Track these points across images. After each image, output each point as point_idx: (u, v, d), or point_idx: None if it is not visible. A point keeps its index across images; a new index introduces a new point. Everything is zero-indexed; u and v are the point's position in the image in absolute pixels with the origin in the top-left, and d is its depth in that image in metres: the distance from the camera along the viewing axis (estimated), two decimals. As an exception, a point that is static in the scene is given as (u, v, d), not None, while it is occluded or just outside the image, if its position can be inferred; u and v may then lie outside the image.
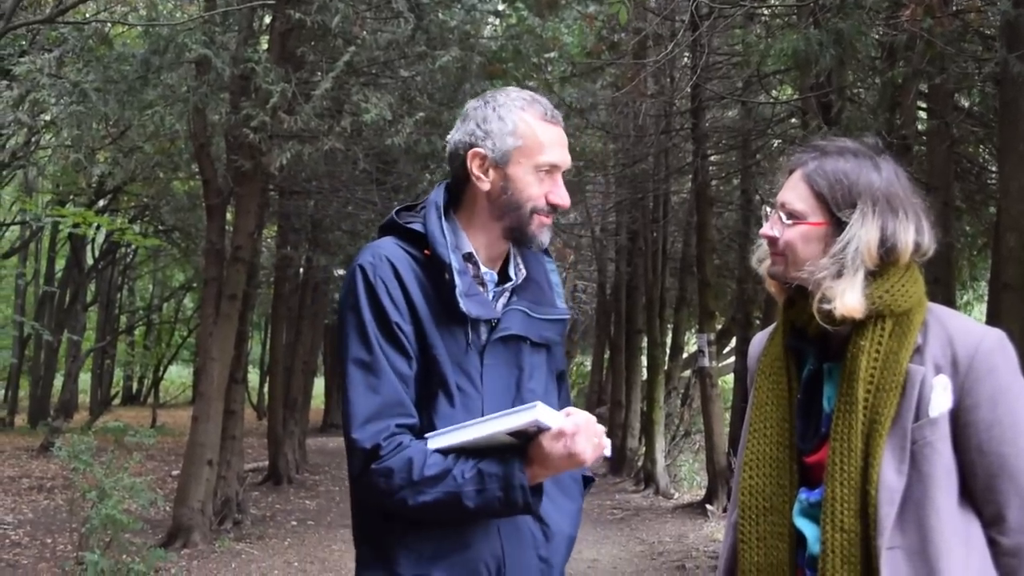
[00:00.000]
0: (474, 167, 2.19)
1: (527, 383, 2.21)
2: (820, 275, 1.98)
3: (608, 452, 2.08)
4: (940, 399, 1.92)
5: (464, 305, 2.10)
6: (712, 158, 14.27)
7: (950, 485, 1.91)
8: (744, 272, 14.19)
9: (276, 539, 10.48)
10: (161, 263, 25.28)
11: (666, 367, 16.18)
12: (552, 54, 11.55)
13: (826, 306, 1.96)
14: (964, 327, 2.00)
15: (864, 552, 1.90)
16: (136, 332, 29.14)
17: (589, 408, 22.61)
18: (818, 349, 2.06)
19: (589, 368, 25.90)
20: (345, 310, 2.14)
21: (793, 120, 12.11)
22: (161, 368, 27.95)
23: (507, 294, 2.25)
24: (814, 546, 1.98)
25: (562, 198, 2.22)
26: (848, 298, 1.94)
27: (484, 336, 2.17)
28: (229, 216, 11.76)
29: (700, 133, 13.01)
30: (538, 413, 1.93)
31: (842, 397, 1.97)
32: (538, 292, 2.28)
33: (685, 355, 17.50)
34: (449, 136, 2.27)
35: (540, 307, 2.26)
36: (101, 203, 19.35)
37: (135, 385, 31.76)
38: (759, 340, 2.27)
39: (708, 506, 12.42)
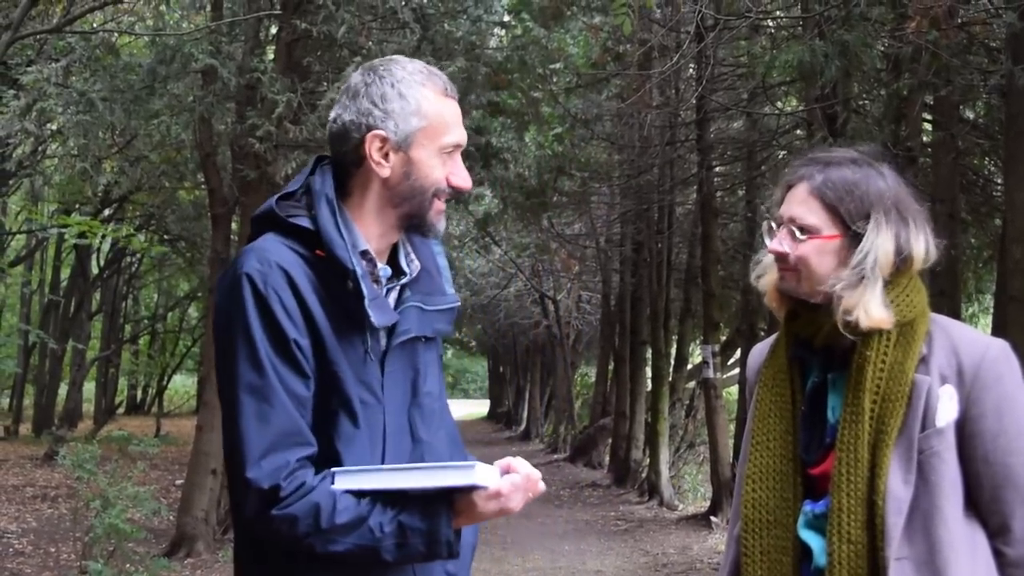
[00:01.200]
0: (373, 151, 1.94)
1: (423, 384, 2.03)
2: (839, 287, 1.96)
3: (541, 488, 1.93)
4: (946, 409, 1.91)
5: (373, 317, 1.88)
6: (717, 169, 14.28)
7: (956, 495, 1.91)
8: (749, 283, 14.19)
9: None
10: (166, 272, 25.31)
11: (670, 378, 16.15)
12: (557, 65, 11.60)
13: (849, 318, 1.94)
14: (969, 337, 2.00)
15: (870, 563, 1.88)
16: (141, 341, 29.16)
17: (593, 419, 22.61)
18: (822, 360, 2.05)
19: (593, 379, 25.86)
20: (230, 326, 1.84)
21: (798, 131, 12.11)
22: (165, 377, 27.93)
23: (397, 289, 2.03)
24: (820, 558, 1.97)
25: (464, 180, 2.01)
26: (873, 309, 1.93)
27: (383, 342, 1.95)
28: (234, 226, 11.79)
29: (705, 144, 13.01)
30: (476, 476, 1.78)
31: (848, 407, 1.95)
32: (428, 282, 2.07)
33: (689, 366, 17.46)
34: (333, 114, 1.99)
35: (432, 298, 2.05)
36: (107, 212, 19.40)
37: (139, 394, 31.75)
38: (758, 352, 2.24)
39: (712, 518, 12.38)
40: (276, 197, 1.99)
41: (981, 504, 1.93)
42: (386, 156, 1.95)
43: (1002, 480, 1.91)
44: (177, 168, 14.13)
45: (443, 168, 1.98)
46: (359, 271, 1.88)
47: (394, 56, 2.06)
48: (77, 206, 18.41)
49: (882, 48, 8.00)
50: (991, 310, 10.02)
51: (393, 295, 2.02)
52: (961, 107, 8.88)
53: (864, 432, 1.92)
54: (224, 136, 10.63)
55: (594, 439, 21.08)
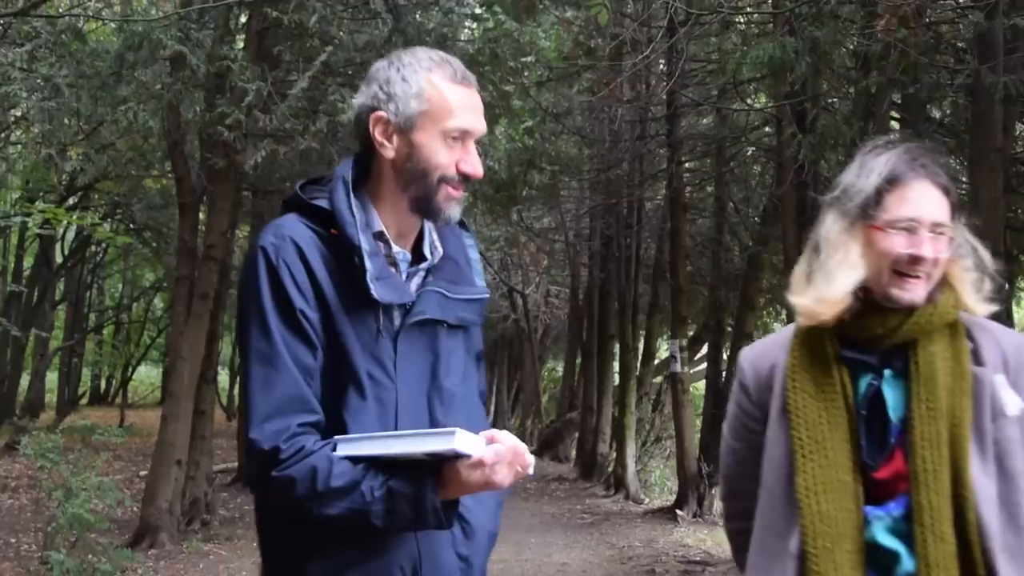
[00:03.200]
0: (376, 132, 2.01)
1: (443, 369, 2.05)
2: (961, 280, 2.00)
3: (531, 471, 1.94)
4: (1013, 398, 1.93)
5: (375, 290, 1.92)
6: (686, 165, 14.34)
7: None
8: (717, 279, 14.27)
9: (245, 540, 10.40)
10: (132, 262, 25.08)
11: (638, 373, 16.22)
12: (529, 58, 11.56)
13: (963, 306, 1.98)
14: (1002, 329, 2.05)
15: (961, 560, 1.86)
16: (105, 331, 28.86)
17: (560, 414, 22.66)
18: (879, 360, 1.99)
19: (561, 373, 25.92)
20: (245, 297, 1.96)
21: (768, 128, 12.19)
22: (130, 368, 27.69)
23: (421, 274, 2.08)
24: (909, 562, 1.90)
25: (474, 167, 2.04)
26: (976, 300, 1.99)
27: (397, 321, 1.99)
28: (202, 215, 11.69)
29: (675, 140, 13.06)
30: (456, 442, 1.79)
31: (922, 404, 1.91)
32: (455, 271, 2.11)
33: (657, 361, 17.55)
34: (356, 100, 2.08)
35: (457, 287, 2.09)
36: (72, 200, 19.16)
37: (103, 385, 31.45)
38: (763, 354, 2.15)
39: (678, 511, 12.45)
40: (303, 182, 2.09)
41: None
42: (389, 138, 2.02)
43: None
44: (144, 156, 13.96)
45: (449, 153, 2.02)
46: (366, 247, 1.94)
47: (412, 47, 2.12)
48: (41, 194, 18.17)
49: (851, 46, 8.06)
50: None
51: (416, 279, 2.07)
52: (928, 105, 8.96)
53: (944, 428, 1.89)
54: (192, 124, 10.52)
55: (561, 433, 21.14)
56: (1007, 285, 7.82)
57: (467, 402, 2.12)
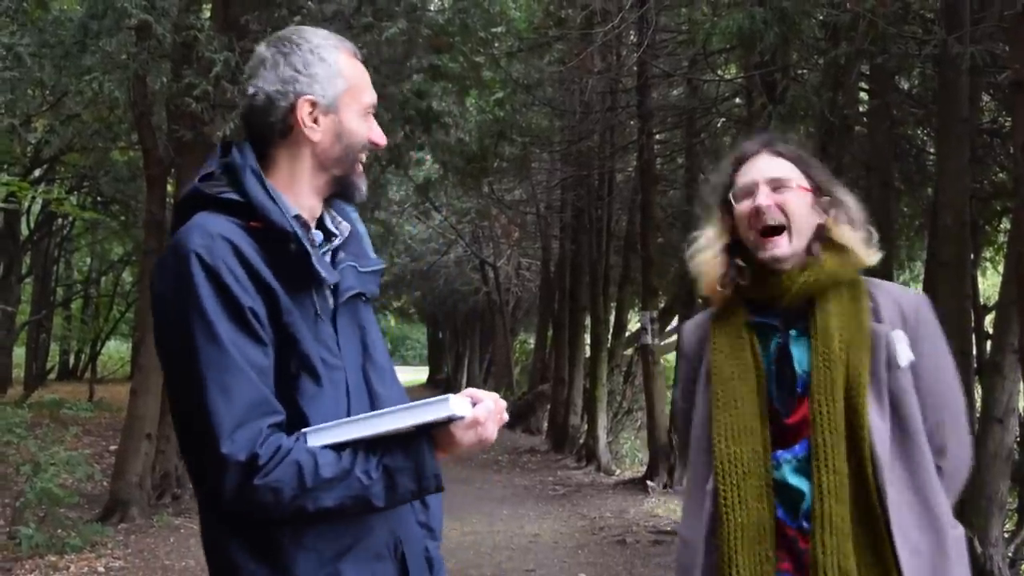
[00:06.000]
0: (304, 117, 1.98)
1: (371, 342, 2.08)
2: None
3: (506, 418, 1.99)
4: (904, 351, 2.18)
5: (324, 273, 1.93)
6: (657, 136, 14.34)
7: (920, 426, 2.18)
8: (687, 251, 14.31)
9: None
10: (99, 236, 24.80)
11: (609, 344, 16.28)
12: (499, 29, 11.53)
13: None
14: (901, 290, 2.34)
15: (853, 490, 2.10)
16: (73, 306, 28.57)
17: (532, 386, 22.73)
18: (783, 321, 2.25)
19: (532, 345, 25.98)
20: (180, 306, 1.81)
21: (738, 100, 12.20)
22: (99, 342, 27.45)
23: (330, 253, 2.08)
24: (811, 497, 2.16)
25: (382, 136, 2.09)
26: (863, 254, 2.27)
27: (330, 301, 1.99)
28: (170, 188, 11.58)
29: (645, 111, 13.06)
30: (453, 407, 1.83)
31: (818, 355, 2.17)
32: (356, 245, 2.13)
33: (628, 333, 17.61)
34: (252, 89, 2.00)
35: (362, 260, 2.11)
36: (37, 172, 18.93)
37: (72, 359, 31.17)
38: (693, 328, 2.45)
39: (649, 482, 12.55)
40: (196, 179, 1.98)
41: (925, 430, 2.19)
42: (315, 120, 1.99)
43: (940, 408, 2.22)
44: (110, 128, 13.81)
45: (365, 128, 2.05)
46: (299, 232, 1.90)
47: (297, 27, 2.09)
48: (5, 166, 17.95)
49: (820, 16, 8.07)
50: (921, 276, 10.23)
51: (327, 258, 2.05)
52: (896, 76, 9.00)
53: (839, 375, 2.14)
54: (159, 95, 10.41)
55: (532, 405, 21.21)
56: (972, 255, 7.91)
57: (392, 372, 2.15)
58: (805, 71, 9.69)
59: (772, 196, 2.22)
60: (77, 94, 10.80)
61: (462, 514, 10.22)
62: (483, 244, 25.57)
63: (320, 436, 1.83)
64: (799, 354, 2.22)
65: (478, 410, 1.88)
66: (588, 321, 16.99)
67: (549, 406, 19.45)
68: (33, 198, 16.23)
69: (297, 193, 2.01)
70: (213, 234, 1.84)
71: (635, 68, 12.88)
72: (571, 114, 14.60)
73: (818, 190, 2.26)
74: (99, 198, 19.94)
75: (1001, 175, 9.45)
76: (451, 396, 1.85)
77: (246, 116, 2.03)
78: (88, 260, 30.35)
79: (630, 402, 17.29)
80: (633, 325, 18.21)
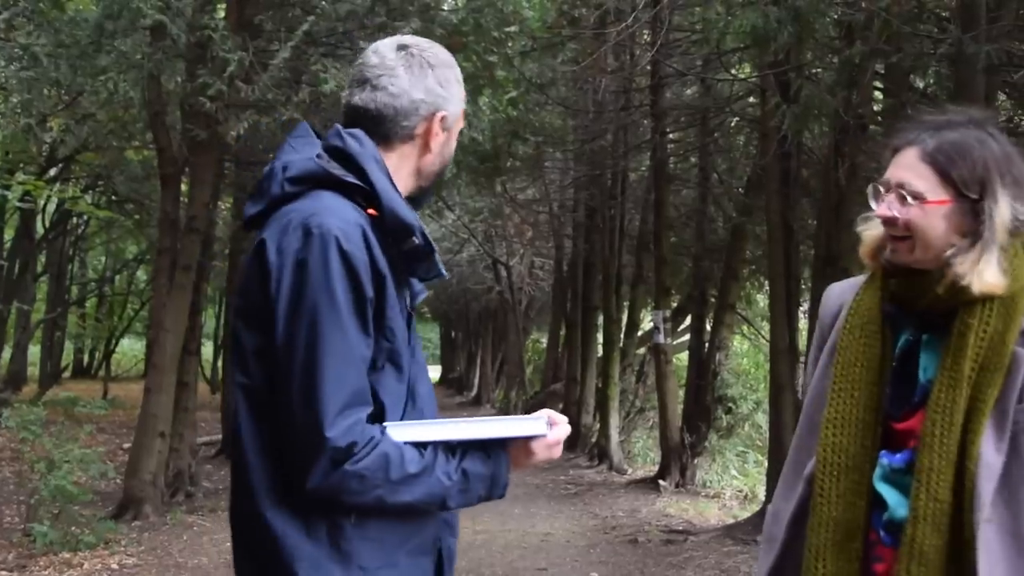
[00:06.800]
0: (436, 128, 2.09)
1: (414, 339, 2.11)
2: (951, 253, 1.97)
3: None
4: None
5: (443, 269, 2.08)
6: (670, 135, 14.31)
7: None
8: (700, 250, 14.29)
9: (228, 512, 10.44)
10: (114, 234, 24.90)
11: (621, 344, 16.26)
12: (513, 28, 11.49)
13: (963, 283, 1.95)
14: None
15: (951, 524, 1.93)
16: (88, 304, 28.71)
17: (544, 385, 22.70)
18: (919, 320, 2.07)
19: (545, 345, 25.96)
20: (313, 285, 1.85)
21: (752, 99, 12.16)
22: (113, 341, 27.56)
23: None
24: (896, 510, 2.01)
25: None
26: (988, 275, 1.94)
27: (408, 301, 2.07)
28: (184, 187, 11.62)
29: (659, 110, 13.03)
30: (543, 427, 1.98)
31: (945, 371, 1.97)
32: None
33: (641, 332, 17.59)
34: (396, 88, 2.05)
35: None
36: (52, 172, 19.01)
37: (86, 358, 31.31)
38: (839, 293, 2.25)
39: (661, 481, 12.53)
40: (318, 156, 2.01)
41: None
42: (436, 135, 2.11)
43: None
44: (125, 127, 13.86)
45: (452, 149, 2.20)
46: (424, 228, 1.99)
47: (423, 39, 2.17)
48: (21, 165, 18.02)
49: (835, 15, 8.03)
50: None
51: None
52: (911, 75, 8.95)
53: (962, 397, 1.94)
54: (174, 95, 10.44)
55: (545, 404, 21.16)
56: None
57: (427, 371, 2.21)
58: (819, 70, 9.65)
59: (897, 206, 2.01)
60: (92, 94, 10.84)
61: (474, 512, 10.21)
62: (496, 243, 25.56)
63: (401, 432, 1.91)
64: (926, 361, 2.05)
65: (558, 431, 2.02)
66: (600, 320, 16.97)
67: (561, 405, 19.39)
68: (48, 197, 16.31)
69: None
70: (350, 220, 1.90)
71: (648, 67, 12.85)
72: (584, 113, 14.57)
73: (964, 199, 1.98)
74: (114, 197, 19.99)
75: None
76: (541, 414, 2.00)
77: (371, 110, 2.06)
78: (103, 259, 30.52)
79: (642, 401, 17.27)
80: (646, 324, 18.19)
